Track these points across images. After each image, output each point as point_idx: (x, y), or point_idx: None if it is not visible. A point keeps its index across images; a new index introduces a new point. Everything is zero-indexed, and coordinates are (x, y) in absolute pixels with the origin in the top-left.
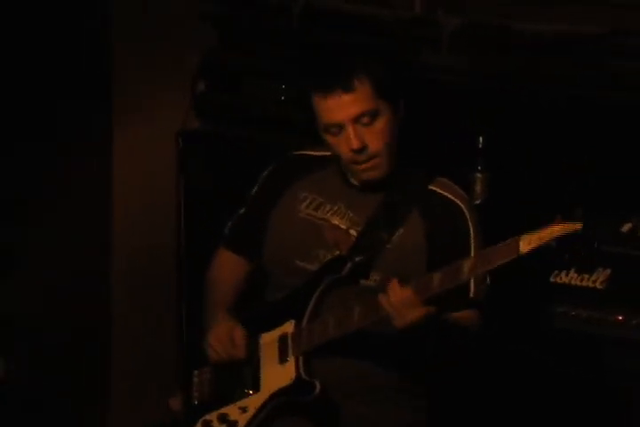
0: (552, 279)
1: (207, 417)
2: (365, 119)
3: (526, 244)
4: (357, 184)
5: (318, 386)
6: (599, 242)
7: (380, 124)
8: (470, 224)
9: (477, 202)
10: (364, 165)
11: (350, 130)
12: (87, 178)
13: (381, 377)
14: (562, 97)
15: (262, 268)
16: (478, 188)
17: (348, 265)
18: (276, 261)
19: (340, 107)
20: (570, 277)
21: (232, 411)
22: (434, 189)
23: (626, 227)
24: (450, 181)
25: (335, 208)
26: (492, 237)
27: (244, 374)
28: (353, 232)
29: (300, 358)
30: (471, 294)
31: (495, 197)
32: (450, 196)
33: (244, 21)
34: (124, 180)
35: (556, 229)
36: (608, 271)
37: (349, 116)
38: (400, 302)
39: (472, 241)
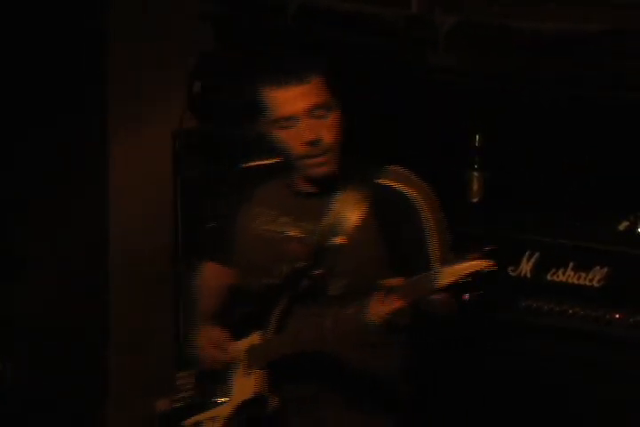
0: (549, 277)
1: (185, 423)
2: (320, 112)
3: (444, 277)
4: (304, 190)
5: (275, 402)
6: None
7: (333, 118)
8: (424, 212)
9: (474, 200)
10: (315, 160)
11: (304, 122)
12: (85, 178)
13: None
14: (560, 96)
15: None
16: (475, 186)
17: (305, 281)
18: (245, 281)
19: (295, 98)
20: (567, 276)
21: (205, 419)
22: (383, 182)
23: (623, 225)
24: (403, 170)
25: (289, 220)
26: (492, 236)
27: (219, 381)
28: (310, 241)
29: (263, 372)
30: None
31: (491, 196)
32: (399, 186)
33: (241, 21)
34: (121, 180)
35: (472, 265)
36: (605, 269)
37: (304, 107)
38: (390, 311)
39: (428, 229)
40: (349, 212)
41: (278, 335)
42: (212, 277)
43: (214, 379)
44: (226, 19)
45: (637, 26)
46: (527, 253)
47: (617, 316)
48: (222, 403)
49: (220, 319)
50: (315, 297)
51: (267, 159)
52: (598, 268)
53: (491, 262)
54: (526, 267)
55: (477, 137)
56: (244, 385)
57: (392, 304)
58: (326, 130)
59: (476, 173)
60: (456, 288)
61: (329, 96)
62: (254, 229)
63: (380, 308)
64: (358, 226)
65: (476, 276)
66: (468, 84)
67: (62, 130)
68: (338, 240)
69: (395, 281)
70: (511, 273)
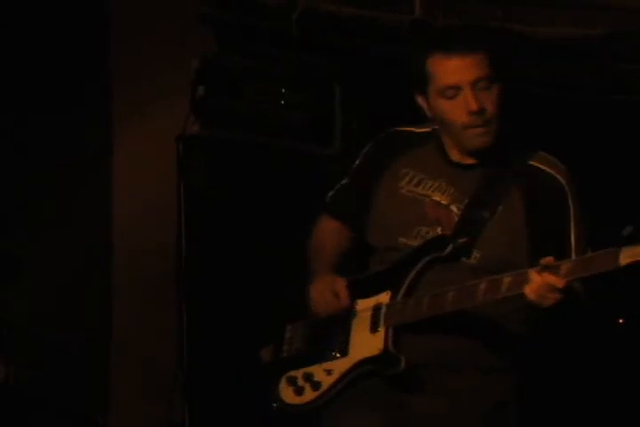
0: None
1: (292, 373)
2: (483, 83)
3: (627, 256)
4: (457, 160)
5: (403, 361)
6: None
7: (495, 91)
8: (571, 201)
9: None
10: (479, 129)
11: (469, 92)
12: (88, 182)
13: (478, 355)
14: (561, 98)
15: (366, 242)
16: None
17: (450, 246)
18: (380, 238)
19: (462, 68)
20: None
21: (317, 371)
22: (534, 164)
23: (627, 230)
24: (550, 156)
25: (436, 184)
26: None
27: (334, 335)
28: (454, 208)
29: (391, 331)
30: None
31: None
32: (551, 171)
33: (243, 26)
34: (125, 183)
35: None
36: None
37: (470, 77)
38: (546, 288)
39: (572, 219)
40: (498, 187)
41: (413, 297)
42: (331, 231)
43: (328, 331)
44: (229, 23)
45: (637, 29)
46: None
47: (620, 321)
48: (339, 357)
49: (339, 272)
50: (451, 264)
51: (421, 127)
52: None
53: None
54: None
55: None
56: (367, 342)
57: (552, 280)
58: (490, 101)
59: None
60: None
61: (493, 69)
62: (399, 188)
63: (538, 283)
64: (505, 202)
65: None
66: None
67: (65, 131)
68: (483, 213)
69: (560, 261)
70: None
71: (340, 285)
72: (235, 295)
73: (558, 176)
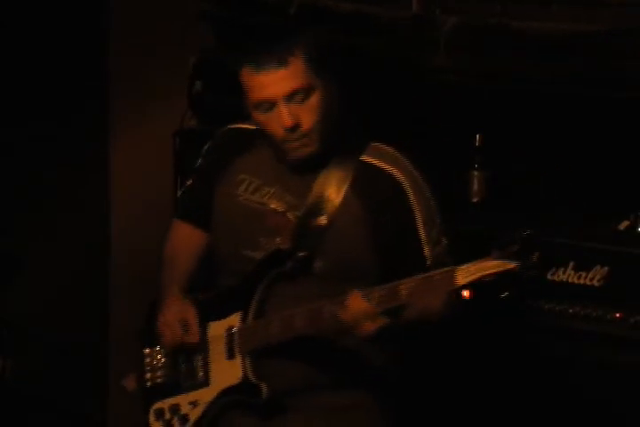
0: (549, 277)
1: (159, 405)
2: (299, 96)
3: (463, 276)
4: (288, 165)
5: (265, 390)
6: (534, 279)
7: (314, 100)
8: (412, 196)
9: (475, 200)
10: (297, 143)
11: (283, 107)
12: (87, 181)
13: (332, 390)
14: (560, 96)
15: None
16: (475, 186)
17: (290, 261)
18: (223, 250)
19: (274, 82)
20: (567, 275)
21: (183, 403)
22: (365, 159)
23: (623, 224)
24: (387, 147)
25: (272, 191)
26: (491, 235)
27: (195, 361)
28: (291, 216)
29: (248, 358)
30: (428, 261)
31: (492, 196)
32: (383, 166)
33: (240, 21)
34: (122, 180)
35: (491, 265)
36: (606, 269)
37: (283, 92)
38: (362, 314)
39: (416, 215)
40: (332, 191)
41: (263, 319)
42: (183, 237)
43: (188, 357)
44: (226, 18)
45: (638, 25)
46: None
47: (617, 315)
48: (202, 386)
49: (190, 291)
50: (298, 278)
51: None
52: (599, 267)
53: (514, 265)
54: None
55: (478, 137)
56: (226, 370)
57: (367, 308)
58: (306, 114)
59: (476, 173)
60: (479, 288)
61: (310, 77)
62: (236, 195)
63: (357, 310)
64: (340, 206)
65: (504, 276)
66: (469, 84)
67: (63, 130)
68: (320, 220)
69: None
70: None
71: (191, 315)
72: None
73: (392, 170)
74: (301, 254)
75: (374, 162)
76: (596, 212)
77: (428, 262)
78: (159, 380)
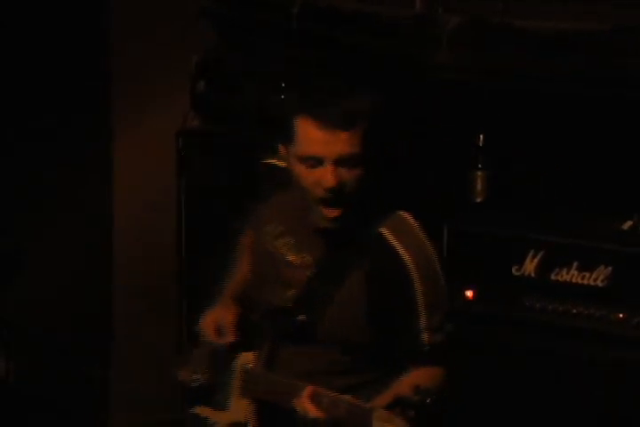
0: (553, 277)
1: (198, 410)
2: (349, 163)
3: (378, 422)
4: (313, 221)
5: None
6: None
7: (359, 171)
8: (417, 282)
9: (478, 200)
10: (331, 210)
11: (330, 168)
12: (88, 181)
13: None
14: (563, 94)
15: None
16: (478, 186)
17: (291, 323)
18: (249, 287)
19: (332, 142)
20: (571, 275)
21: (210, 418)
22: (384, 232)
23: (627, 224)
24: (409, 220)
25: (292, 242)
26: (493, 236)
27: (225, 380)
28: (305, 273)
29: (252, 404)
30: (425, 348)
31: (495, 196)
32: (396, 244)
33: (243, 20)
34: (125, 179)
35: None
36: (609, 269)
37: (338, 154)
38: (308, 414)
39: (419, 302)
40: (344, 259)
41: (269, 374)
42: (249, 245)
43: (223, 373)
44: (228, 17)
45: (638, 23)
46: (531, 253)
47: (621, 316)
48: (223, 409)
49: (241, 302)
50: (300, 337)
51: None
52: (602, 267)
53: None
54: (530, 266)
55: (481, 136)
56: (237, 405)
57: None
58: (349, 181)
59: (479, 173)
60: None
61: (362, 147)
62: (265, 233)
63: (304, 408)
64: (348, 276)
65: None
66: (472, 83)
67: (65, 130)
68: (326, 287)
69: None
70: (515, 272)
71: (228, 321)
72: None
73: (403, 251)
74: (300, 318)
75: (389, 237)
76: (599, 212)
77: (426, 348)
78: (202, 382)
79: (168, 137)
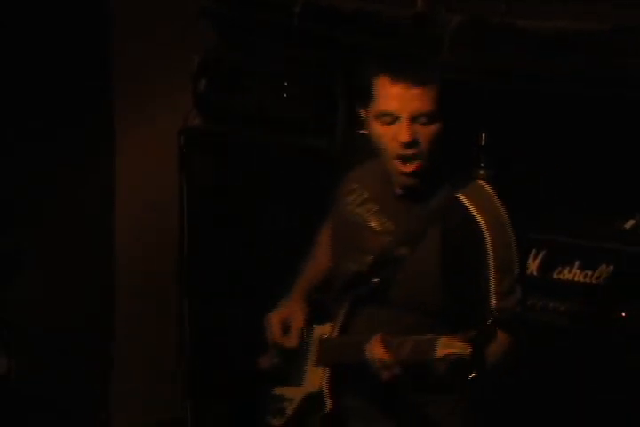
0: (555, 275)
1: (277, 391)
2: (423, 119)
3: (442, 348)
4: (393, 187)
5: (329, 404)
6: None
7: (434, 128)
8: (489, 245)
9: None
10: (408, 165)
11: (405, 123)
12: (90, 177)
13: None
14: (563, 94)
15: None
16: None
17: (366, 287)
18: (333, 255)
19: (408, 98)
20: (573, 274)
21: (287, 395)
22: (462, 198)
23: (629, 223)
24: (486, 187)
25: (375, 208)
26: None
27: (301, 356)
28: (384, 239)
29: (327, 370)
30: (494, 312)
31: (497, 195)
32: (472, 209)
33: (244, 20)
34: (127, 178)
35: (459, 345)
36: (611, 268)
37: (412, 110)
38: (377, 359)
39: (491, 266)
40: (421, 224)
41: (345, 337)
42: (326, 242)
43: (297, 351)
44: (228, 17)
45: (638, 22)
46: (533, 252)
47: (622, 314)
48: (298, 385)
49: (315, 296)
50: (376, 302)
51: None
52: (604, 266)
53: (470, 351)
54: (533, 265)
55: (483, 135)
56: (313, 376)
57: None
58: (425, 137)
59: (481, 172)
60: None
61: (438, 107)
62: (346, 204)
63: (374, 353)
64: (424, 240)
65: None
66: (474, 83)
67: (66, 129)
68: (402, 250)
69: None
70: None
71: (296, 321)
72: (235, 295)
73: (478, 216)
74: (375, 281)
75: (466, 202)
76: (601, 211)
77: (495, 313)
78: (279, 366)
79: (169, 136)
